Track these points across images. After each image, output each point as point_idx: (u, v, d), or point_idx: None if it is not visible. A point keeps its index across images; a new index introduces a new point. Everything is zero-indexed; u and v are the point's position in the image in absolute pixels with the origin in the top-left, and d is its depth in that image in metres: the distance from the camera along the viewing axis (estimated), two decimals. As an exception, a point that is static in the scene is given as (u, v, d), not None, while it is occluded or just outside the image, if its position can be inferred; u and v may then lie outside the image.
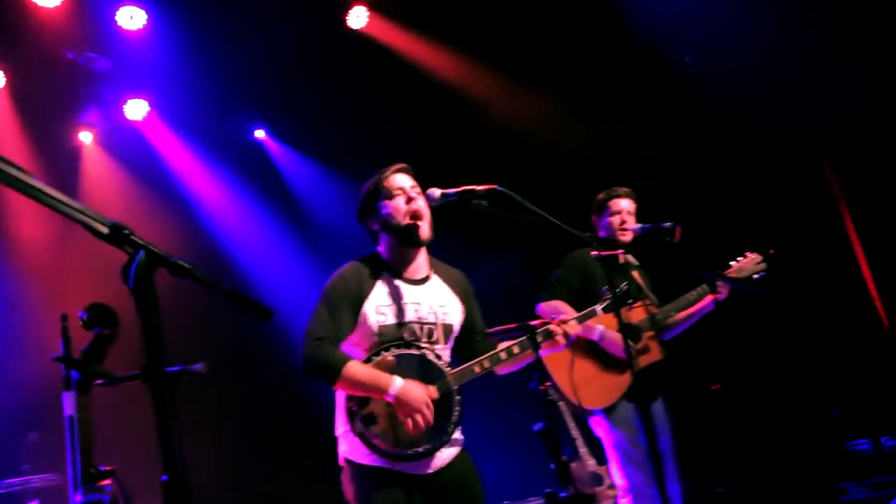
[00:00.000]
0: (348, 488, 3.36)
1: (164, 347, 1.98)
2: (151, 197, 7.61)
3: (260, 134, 8.38)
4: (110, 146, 7.65)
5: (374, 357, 3.30)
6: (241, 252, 7.96)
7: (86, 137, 7.57)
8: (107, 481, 2.13)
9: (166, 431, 1.92)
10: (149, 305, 1.98)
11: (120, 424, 5.32)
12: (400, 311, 3.41)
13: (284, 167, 8.46)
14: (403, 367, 3.30)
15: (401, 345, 3.35)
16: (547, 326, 3.54)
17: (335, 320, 3.32)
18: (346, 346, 3.39)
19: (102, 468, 2.14)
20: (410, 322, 3.42)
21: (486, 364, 3.45)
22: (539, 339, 3.50)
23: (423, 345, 3.42)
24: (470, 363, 3.45)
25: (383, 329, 3.36)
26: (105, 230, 2.00)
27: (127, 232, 2.02)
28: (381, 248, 3.57)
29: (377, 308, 3.37)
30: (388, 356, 3.30)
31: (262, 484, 7.73)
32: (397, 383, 3.22)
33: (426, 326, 3.46)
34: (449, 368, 3.42)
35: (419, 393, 3.23)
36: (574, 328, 3.60)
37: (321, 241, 8.07)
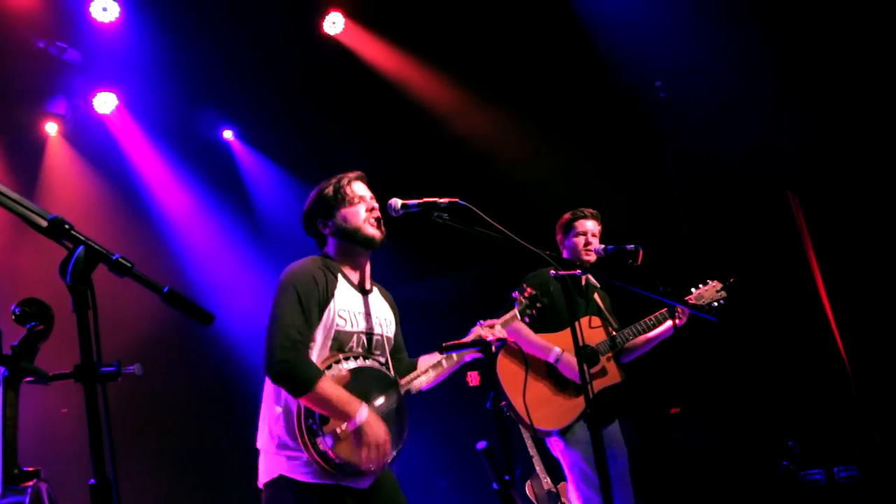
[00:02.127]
0: None
1: (100, 347, 1.93)
2: (112, 192, 7.52)
3: (228, 135, 8.32)
4: (75, 139, 7.54)
5: (326, 370, 3.17)
6: (195, 253, 7.88)
7: (51, 128, 7.46)
8: (29, 482, 2.06)
9: (97, 433, 1.87)
10: (85, 303, 1.92)
11: (49, 425, 5.20)
12: (355, 319, 3.35)
13: (248, 170, 8.42)
14: (360, 381, 3.21)
15: (349, 357, 3.26)
16: (475, 332, 3.54)
17: (307, 320, 3.18)
18: None
19: (26, 468, 2.07)
20: (362, 331, 3.38)
21: (431, 373, 3.49)
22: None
23: (372, 356, 3.38)
24: (416, 373, 3.46)
25: (339, 334, 3.28)
26: (44, 223, 1.94)
27: (67, 226, 1.96)
28: (331, 252, 3.49)
29: (339, 311, 3.29)
30: (343, 370, 3.19)
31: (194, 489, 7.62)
32: (363, 413, 3.11)
33: (374, 337, 3.42)
34: (399, 379, 3.41)
35: (382, 431, 3.16)
36: (501, 332, 3.57)
37: (275, 248, 8.02)
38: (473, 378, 6.67)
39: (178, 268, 7.69)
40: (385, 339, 3.49)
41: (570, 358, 4.59)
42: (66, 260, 1.93)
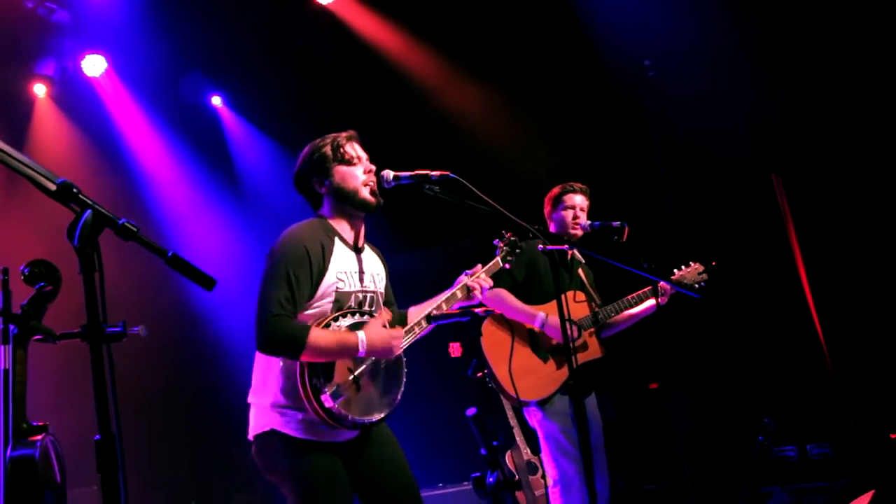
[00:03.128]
0: (277, 461, 3.28)
1: (105, 308, 2.00)
2: (98, 156, 7.53)
3: (216, 101, 8.33)
4: (63, 101, 7.55)
5: (324, 328, 3.25)
6: (178, 219, 7.92)
7: (40, 90, 7.46)
8: (38, 436, 2.14)
9: (102, 391, 1.94)
10: (92, 265, 1.99)
11: (56, 382, 5.29)
12: (353, 279, 3.41)
13: (234, 138, 8.44)
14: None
15: (347, 313, 3.33)
16: (462, 281, 3.66)
17: (293, 291, 3.20)
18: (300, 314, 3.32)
19: (35, 423, 2.15)
20: (360, 290, 3.44)
21: (424, 323, 3.54)
22: (459, 294, 3.62)
23: (367, 311, 3.45)
24: (411, 324, 3.51)
25: (340, 295, 3.34)
26: (53, 187, 2.01)
27: (75, 190, 2.03)
28: (326, 213, 3.52)
29: (337, 274, 3.34)
30: (342, 325, 3.27)
31: (194, 453, 7.75)
32: (362, 337, 3.22)
33: (369, 294, 3.49)
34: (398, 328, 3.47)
35: (384, 332, 3.29)
36: (487, 281, 3.70)
37: (257, 216, 8.07)
38: (455, 349, 6.77)
39: (161, 234, 7.73)
40: (378, 294, 3.56)
41: (556, 320, 4.64)
42: (73, 223, 2.00)
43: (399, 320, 3.67)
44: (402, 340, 3.38)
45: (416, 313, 3.63)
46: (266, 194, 8.20)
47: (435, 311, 3.56)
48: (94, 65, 7.44)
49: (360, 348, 3.21)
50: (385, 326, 3.38)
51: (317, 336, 3.16)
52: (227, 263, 7.37)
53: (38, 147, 7.30)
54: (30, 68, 7.27)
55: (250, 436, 3.36)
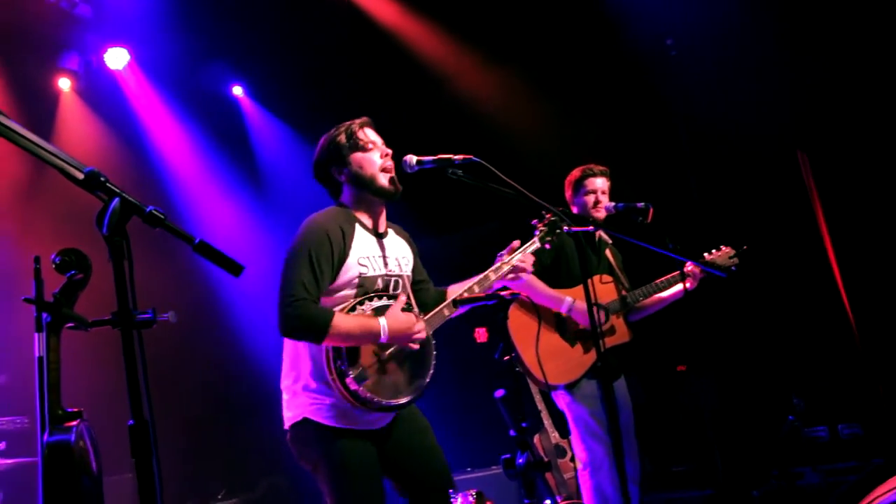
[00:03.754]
0: (310, 449, 3.33)
1: (135, 295, 2.02)
2: (123, 147, 7.59)
3: (237, 91, 8.36)
4: (88, 94, 7.60)
5: (349, 312, 3.28)
6: (202, 209, 7.96)
7: (64, 84, 7.52)
8: (73, 422, 2.17)
9: (134, 377, 1.97)
10: (121, 252, 2.01)
11: (88, 369, 5.36)
12: (376, 264, 3.43)
13: (255, 128, 8.47)
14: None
15: (373, 297, 3.36)
16: (503, 260, 3.67)
17: (316, 277, 3.23)
18: (323, 299, 3.35)
19: (70, 409, 2.18)
20: (384, 274, 3.46)
21: (452, 306, 3.54)
22: (505, 268, 3.64)
23: (393, 294, 3.47)
24: (439, 307, 3.51)
25: (364, 280, 3.37)
26: (81, 175, 2.03)
27: (103, 179, 2.05)
28: (346, 200, 3.55)
29: (359, 259, 3.36)
30: (367, 310, 3.30)
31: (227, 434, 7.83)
32: (383, 323, 3.23)
33: (393, 278, 3.51)
34: (422, 315, 3.47)
35: (405, 318, 3.30)
36: (529, 258, 3.71)
37: (281, 207, 8.10)
38: (481, 335, 6.80)
39: (184, 224, 7.78)
40: (405, 278, 3.57)
41: (583, 304, 4.63)
42: (102, 211, 2.02)
43: (437, 298, 3.70)
44: (423, 327, 3.37)
45: (457, 291, 3.64)
46: (287, 184, 8.24)
47: (467, 294, 3.56)
48: (116, 57, 7.49)
49: (383, 335, 3.23)
50: (408, 309, 3.40)
51: (340, 321, 3.18)
52: (251, 252, 7.41)
53: (64, 140, 7.36)
54: (54, 62, 7.33)
55: (286, 425, 3.41)
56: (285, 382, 3.44)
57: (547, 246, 3.86)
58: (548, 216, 3.87)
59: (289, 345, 3.44)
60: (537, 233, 3.86)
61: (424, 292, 3.76)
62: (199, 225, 7.87)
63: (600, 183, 4.98)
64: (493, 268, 3.67)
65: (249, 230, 8.02)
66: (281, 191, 8.33)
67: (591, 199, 4.95)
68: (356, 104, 7.63)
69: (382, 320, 3.25)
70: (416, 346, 3.34)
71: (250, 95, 8.43)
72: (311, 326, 3.16)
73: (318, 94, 8.01)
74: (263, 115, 8.44)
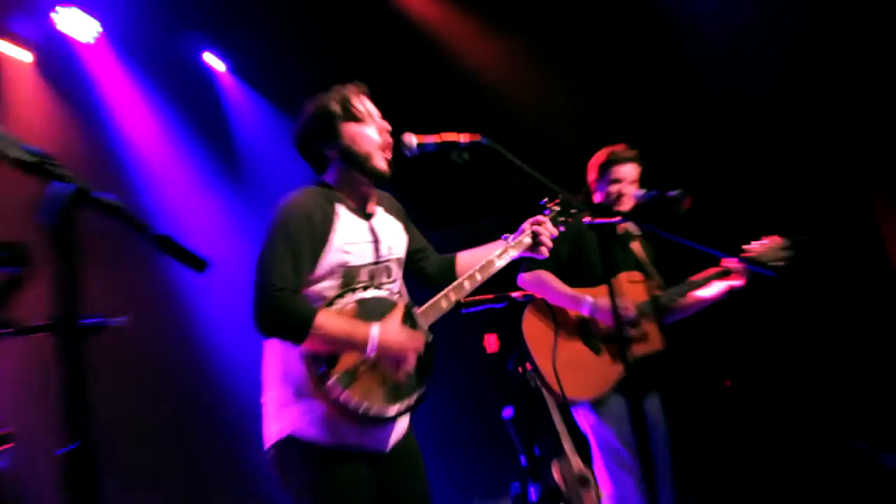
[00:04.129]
0: (293, 473, 3.27)
1: (83, 297, 2.01)
2: (78, 123, 7.55)
3: (214, 62, 8.36)
4: (38, 60, 7.58)
5: (331, 304, 3.24)
6: (170, 194, 7.92)
7: (14, 51, 7.50)
8: (6, 446, 2.15)
9: (74, 393, 1.94)
10: (69, 247, 2.00)
11: (21, 383, 5.35)
12: (363, 250, 3.40)
13: (234, 105, 8.46)
14: (367, 313, 3.27)
15: (357, 288, 3.32)
16: (510, 244, 3.71)
17: (297, 263, 3.21)
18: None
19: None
20: (372, 262, 3.43)
21: (452, 297, 3.51)
22: (525, 240, 3.70)
23: (383, 284, 3.45)
24: (436, 298, 3.48)
25: (348, 270, 3.33)
26: (29, 158, 2.01)
27: (54, 163, 2.04)
28: (330, 178, 3.52)
29: (343, 246, 3.33)
30: (349, 303, 3.25)
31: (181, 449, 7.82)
32: (374, 332, 3.18)
33: (383, 264, 3.48)
34: (415, 308, 3.44)
35: (402, 335, 3.25)
36: (552, 228, 3.76)
37: (260, 195, 8.09)
38: (491, 343, 6.78)
39: (154, 210, 7.76)
40: (396, 262, 3.56)
41: (607, 304, 4.63)
42: (48, 199, 2.01)
43: (443, 268, 3.74)
44: (421, 344, 3.32)
45: (468, 262, 3.66)
46: (268, 168, 8.22)
47: (468, 283, 3.56)
48: (72, 20, 7.47)
49: (370, 346, 3.17)
50: (409, 319, 3.36)
51: (325, 320, 3.14)
52: (223, 246, 7.40)
53: (10, 114, 7.34)
54: (3, 26, 7.30)
55: (266, 444, 3.35)
56: (268, 394, 3.37)
57: (561, 228, 3.87)
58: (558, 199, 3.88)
59: (270, 349, 3.38)
60: (548, 213, 3.88)
61: (425, 262, 3.77)
62: (166, 217, 7.84)
63: (628, 171, 4.96)
64: (497, 252, 3.68)
65: (225, 220, 8.00)
66: (262, 179, 8.31)
67: (615, 189, 4.95)
68: (345, 77, 7.65)
69: (374, 330, 3.19)
70: (406, 370, 3.29)
71: (230, 69, 8.41)
72: (293, 322, 3.11)
73: (304, 66, 7.97)
74: (244, 91, 8.43)
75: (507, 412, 4.31)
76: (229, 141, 8.51)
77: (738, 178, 7.21)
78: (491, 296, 3.59)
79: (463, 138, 3.30)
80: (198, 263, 2.14)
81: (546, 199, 3.90)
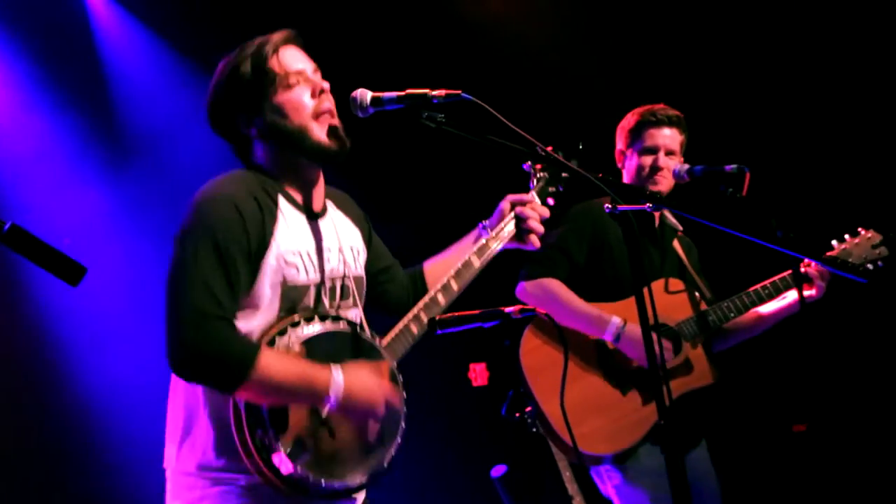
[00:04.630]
0: None
1: None
2: None
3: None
4: None
5: (270, 343, 3.18)
6: (23, 178, 7.85)
7: None
8: None
9: None
10: None
11: None
12: (309, 262, 3.35)
13: (111, 43, 8.36)
14: (321, 354, 3.22)
15: (299, 321, 3.25)
16: (490, 236, 3.73)
17: (229, 279, 3.12)
18: None
19: None
20: (321, 278, 3.39)
21: (424, 317, 3.52)
22: (507, 227, 3.74)
23: (337, 310, 3.43)
24: (402, 323, 3.50)
25: (290, 290, 3.28)
26: None
27: None
28: (263, 162, 3.46)
29: (286, 256, 3.27)
30: (294, 341, 3.19)
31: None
32: (337, 376, 3.14)
33: (338, 281, 3.45)
34: (377, 339, 3.43)
35: (372, 381, 3.24)
36: (540, 207, 3.80)
37: (153, 173, 8.00)
38: (479, 374, 6.80)
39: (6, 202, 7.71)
40: (354, 280, 3.52)
41: (636, 331, 4.62)
42: None
43: (410, 288, 3.78)
44: (394, 393, 3.32)
45: (440, 270, 3.67)
46: (167, 141, 8.12)
47: (442, 297, 3.57)
48: None
49: (330, 397, 3.12)
50: (375, 356, 3.36)
51: (271, 362, 3.07)
52: (98, 249, 7.33)
53: None
54: None
55: None
56: (169, 461, 3.32)
57: (550, 202, 3.87)
58: (547, 149, 3.87)
59: (176, 399, 3.32)
60: (533, 182, 3.90)
61: (391, 286, 3.78)
62: (17, 205, 7.78)
63: (667, 136, 4.97)
64: (475, 248, 3.69)
65: (103, 219, 7.91)
66: (158, 156, 8.20)
67: (648, 161, 4.95)
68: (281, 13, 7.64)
69: (337, 375, 3.15)
70: (374, 427, 3.30)
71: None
72: (227, 361, 3.03)
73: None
74: (131, 26, 8.36)
75: (499, 470, 4.32)
76: (106, 99, 8.41)
77: (813, 152, 7.24)
78: (477, 311, 3.55)
79: (435, 93, 3.26)
80: (70, 269, 2.11)
81: (530, 162, 3.89)
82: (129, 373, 7.36)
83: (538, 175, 3.90)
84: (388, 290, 3.76)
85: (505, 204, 3.79)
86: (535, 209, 3.77)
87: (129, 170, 8.06)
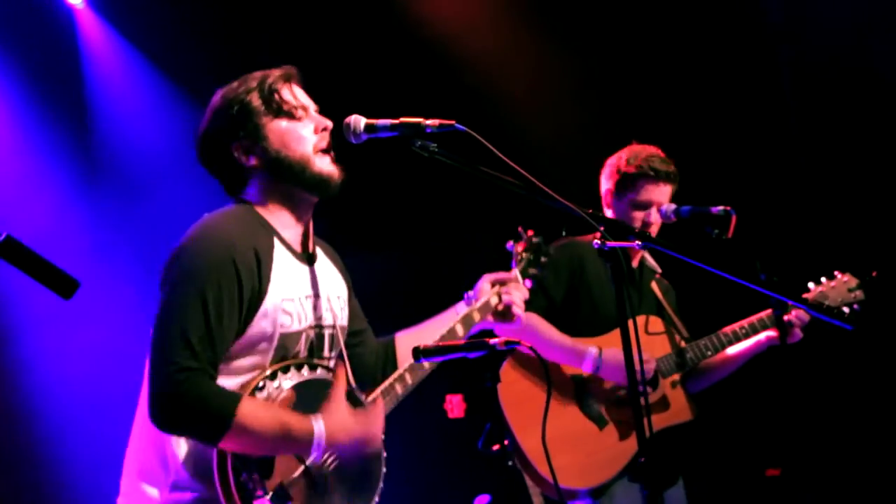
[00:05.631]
0: None
1: None
2: None
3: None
4: None
5: (256, 391, 3.17)
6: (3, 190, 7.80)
7: None
8: None
9: None
10: None
11: None
12: (303, 310, 3.35)
13: (99, 68, 8.34)
14: (306, 403, 3.22)
15: (288, 367, 3.27)
16: (474, 307, 3.73)
17: (211, 332, 3.07)
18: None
19: None
20: (311, 326, 3.39)
21: (409, 380, 3.53)
22: (477, 315, 3.72)
23: (323, 360, 3.43)
24: (389, 381, 3.49)
25: (284, 338, 3.27)
26: None
27: None
28: (255, 199, 3.43)
29: (280, 304, 3.25)
30: (283, 388, 3.20)
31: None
32: (318, 426, 3.11)
33: (327, 330, 3.45)
34: (363, 394, 3.44)
35: (355, 427, 3.24)
36: (522, 289, 3.80)
37: (134, 202, 7.96)
38: (455, 406, 6.78)
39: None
40: (339, 330, 3.51)
41: (616, 354, 4.64)
42: None
43: (383, 357, 3.75)
44: (379, 436, 3.33)
45: (411, 344, 3.54)
46: (146, 164, 8.08)
47: (433, 343, 3.54)
48: None
49: (315, 446, 3.11)
50: (357, 403, 3.35)
51: (252, 411, 3.04)
52: (76, 261, 7.28)
53: None
54: None
55: None
56: (126, 497, 3.28)
57: (528, 284, 3.89)
58: (529, 233, 3.91)
59: (142, 431, 3.25)
60: (515, 262, 3.92)
61: (363, 349, 3.74)
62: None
63: (662, 193, 4.98)
64: (460, 317, 3.69)
65: (83, 237, 7.88)
66: (135, 180, 8.15)
67: (640, 215, 4.96)
68: (267, 45, 7.64)
69: (318, 425, 3.13)
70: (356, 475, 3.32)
71: (91, 5, 8.31)
72: (206, 416, 3.01)
73: (205, 29, 7.93)
74: (115, 42, 8.34)
75: (481, 501, 4.29)
76: (88, 116, 8.37)
77: (790, 194, 7.27)
78: (461, 341, 3.55)
79: (429, 122, 3.27)
80: (64, 283, 2.10)
81: (512, 242, 3.94)
82: (95, 388, 7.32)
83: (521, 256, 3.94)
84: (358, 353, 3.70)
85: (484, 283, 3.80)
86: (518, 290, 3.78)
87: (106, 188, 8.05)
